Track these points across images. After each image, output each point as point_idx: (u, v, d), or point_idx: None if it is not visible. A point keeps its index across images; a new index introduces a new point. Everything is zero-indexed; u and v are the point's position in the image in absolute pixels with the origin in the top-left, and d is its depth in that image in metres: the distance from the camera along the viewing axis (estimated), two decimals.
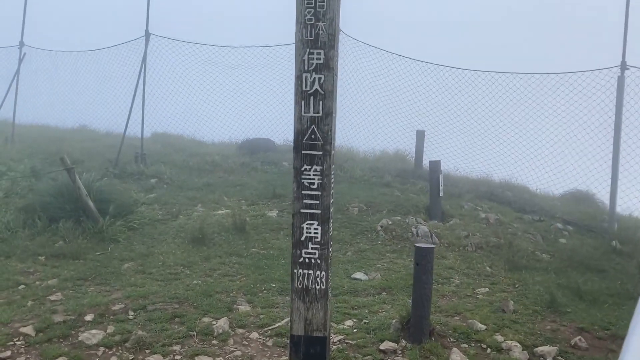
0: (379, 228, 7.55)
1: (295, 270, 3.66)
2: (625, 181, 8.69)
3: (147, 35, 10.83)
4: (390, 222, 7.70)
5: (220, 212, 8.04)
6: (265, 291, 5.43)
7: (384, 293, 5.52)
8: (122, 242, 6.79)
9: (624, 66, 8.33)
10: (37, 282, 5.51)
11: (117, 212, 7.29)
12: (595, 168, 9.17)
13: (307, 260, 3.68)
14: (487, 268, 6.47)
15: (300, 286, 3.69)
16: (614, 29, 8.57)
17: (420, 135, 11.23)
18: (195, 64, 12.07)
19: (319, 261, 3.69)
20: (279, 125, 12.30)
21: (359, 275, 5.99)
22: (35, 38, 13.26)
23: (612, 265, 6.85)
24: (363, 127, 12.25)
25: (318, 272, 3.69)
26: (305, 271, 3.69)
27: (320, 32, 3.62)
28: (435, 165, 8.35)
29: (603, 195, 9.55)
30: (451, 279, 6.03)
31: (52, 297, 5.11)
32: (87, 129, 14.63)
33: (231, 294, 5.25)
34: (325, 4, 3.57)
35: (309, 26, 3.62)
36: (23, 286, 5.41)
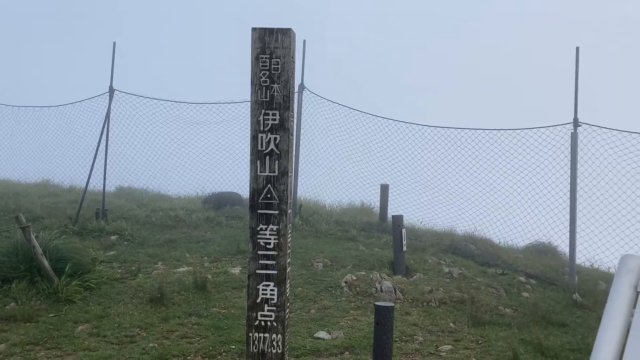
0: (344, 284, 7.49)
1: (250, 334, 3.58)
2: (583, 234, 8.88)
3: (111, 91, 10.85)
4: (354, 278, 7.65)
5: (181, 269, 7.88)
6: (224, 353, 5.27)
7: (346, 352, 5.43)
8: (78, 303, 6.56)
9: (576, 123, 8.65)
10: None
11: (73, 272, 7.07)
12: (554, 221, 9.38)
13: (262, 323, 3.61)
14: (451, 324, 6.44)
15: (255, 350, 3.60)
16: (566, 86, 8.95)
17: (385, 189, 11.34)
18: (160, 119, 12.08)
19: (275, 324, 3.62)
20: (245, 179, 12.27)
21: (321, 334, 5.88)
22: None
23: (573, 319, 6.89)
24: (329, 180, 12.34)
25: (274, 336, 3.61)
26: (261, 334, 3.61)
27: (276, 93, 3.68)
28: (398, 219, 8.40)
29: (564, 248, 9.73)
30: (414, 336, 5.97)
31: None
32: (50, 183, 14.35)
33: (188, 358, 5.08)
34: (280, 66, 3.65)
35: (264, 88, 3.68)
36: None
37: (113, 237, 9.34)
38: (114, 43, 10.82)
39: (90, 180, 10.65)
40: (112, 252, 8.56)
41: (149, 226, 10.24)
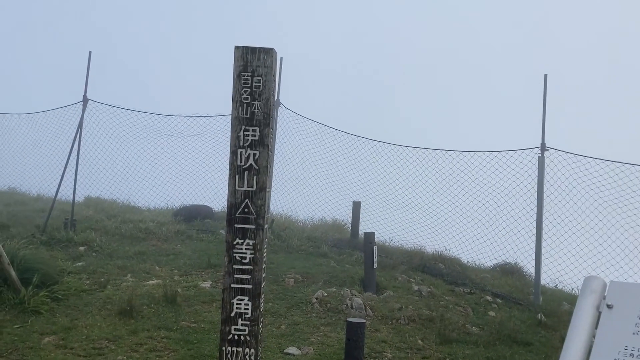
0: (314, 300, 7.53)
1: (223, 348, 3.60)
2: (548, 255, 9.12)
3: (85, 100, 10.75)
4: (325, 294, 7.70)
5: (150, 282, 7.81)
6: None
7: None
8: (45, 314, 6.44)
9: (543, 147, 8.93)
10: None
11: (41, 282, 6.95)
12: (521, 242, 9.61)
13: (236, 337, 3.64)
14: (419, 341, 6.53)
15: None
16: (534, 110, 9.24)
17: (357, 206, 11.45)
18: (133, 130, 12.00)
19: (248, 338, 3.65)
20: (218, 192, 12.28)
21: (292, 350, 5.90)
22: None
23: (537, 338, 7.06)
24: (302, 196, 12.41)
25: (247, 350, 3.64)
26: (234, 349, 3.63)
27: (256, 110, 3.75)
28: (369, 237, 8.51)
29: (529, 268, 9.97)
30: (384, 353, 6.04)
31: None
32: (17, 192, 14.06)
33: None
34: (261, 84, 3.72)
35: (245, 104, 3.75)
36: None
37: (82, 248, 9.20)
38: (90, 52, 10.76)
39: (59, 189, 10.49)
40: (80, 263, 8.43)
41: (118, 237, 10.11)
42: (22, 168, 13.41)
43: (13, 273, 6.67)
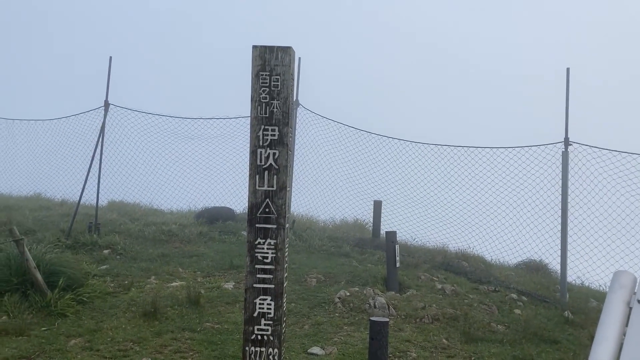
0: (337, 300, 7.50)
1: (247, 348, 3.59)
2: (574, 252, 8.95)
3: (107, 105, 10.87)
4: (348, 294, 7.67)
5: (174, 284, 7.86)
6: None
7: None
8: (71, 317, 6.52)
9: (567, 142, 8.77)
10: None
11: (66, 285, 7.04)
12: (546, 239, 9.45)
13: (259, 337, 3.63)
14: (444, 340, 6.46)
15: None
16: (558, 105, 9.08)
17: (378, 206, 11.39)
18: (154, 134, 12.10)
19: (271, 338, 3.64)
20: (239, 193, 12.33)
21: (315, 349, 5.89)
22: None
23: (564, 336, 6.94)
24: (323, 196, 12.38)
25: (270, 350, 3.63)
26: (258, 349, 3.62)
27: (275, 110, 3.74)
28: (391, 235, 8.45)
29: (555, 265, 9.80)
30: (408, 352, 5.98)
31: None
32: (42, 197, 14.28)
33: None
34: (279, 84, 3.71)
35: (264, 104, 3.74)
36: None
37: (106, 251, 9.30)
38: (110, 58, 10.88)
39: (83, 194, 10.62)
40: (104, 266, 8.52)
41: (141, 240, 10.20)
42: (47, 173, 13.61)
43: (39, 276, 6.77)
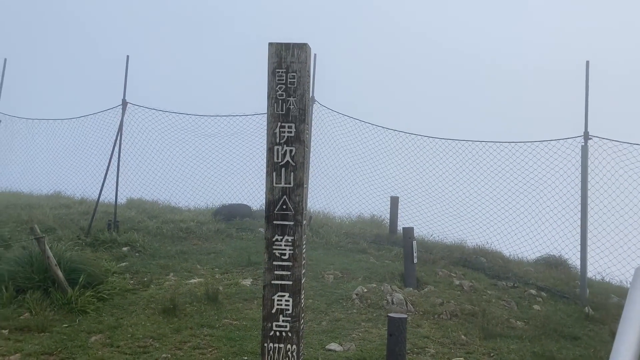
0: (354, 296, 7.50)
1: (265, 344, 3.61)
2: (594, 247, 8.85)
3: (124, 103, 10.96)
4: (365, 290, 7.66)
5: (192, 281, 7.92)
6: None
7: None
8: (91, 314, 6.61)
9: (586, 136, 8.66)
10: None
11: (87, 282, 7.13)
12: (565, 234, 9.35)
13: (277, 333, 3.64)
14: (462, 336, 6.43)
15: None
16: (577, 98, 8.96)
17: (395, 201, 11.35)
18: (172, 132, 12.19)
19: (290, 334, 3.65)
20: (256, 191, 12.37)
21: (333, 346, 5.90)
22: (10, 106, 13.39)
23: (585, 332, 6.87)
24: (339, 192, 12.37)
25: (289, 346, 3.64)
26: (276, 345, 3.64)
27: (292, 106, 3.74)
28: (408, 232, 8.42)
29: (574, 261, 9.69)
30: (426, 349, 5.97)
31: None
32: (62, 195, 14.46)
33: None
34: (296, 80, 3.71)
35: (280, 101, 3.74)
36: None
37: (125, 249, 9.40)
38: (127, 56, 10.97)
39: (102, 192, 10.74)
40: (124, 264, 8.61)
41: (160, 238, 10.29)
42: (67, 172, 13.77)
43: (60, 274, 6.87)
